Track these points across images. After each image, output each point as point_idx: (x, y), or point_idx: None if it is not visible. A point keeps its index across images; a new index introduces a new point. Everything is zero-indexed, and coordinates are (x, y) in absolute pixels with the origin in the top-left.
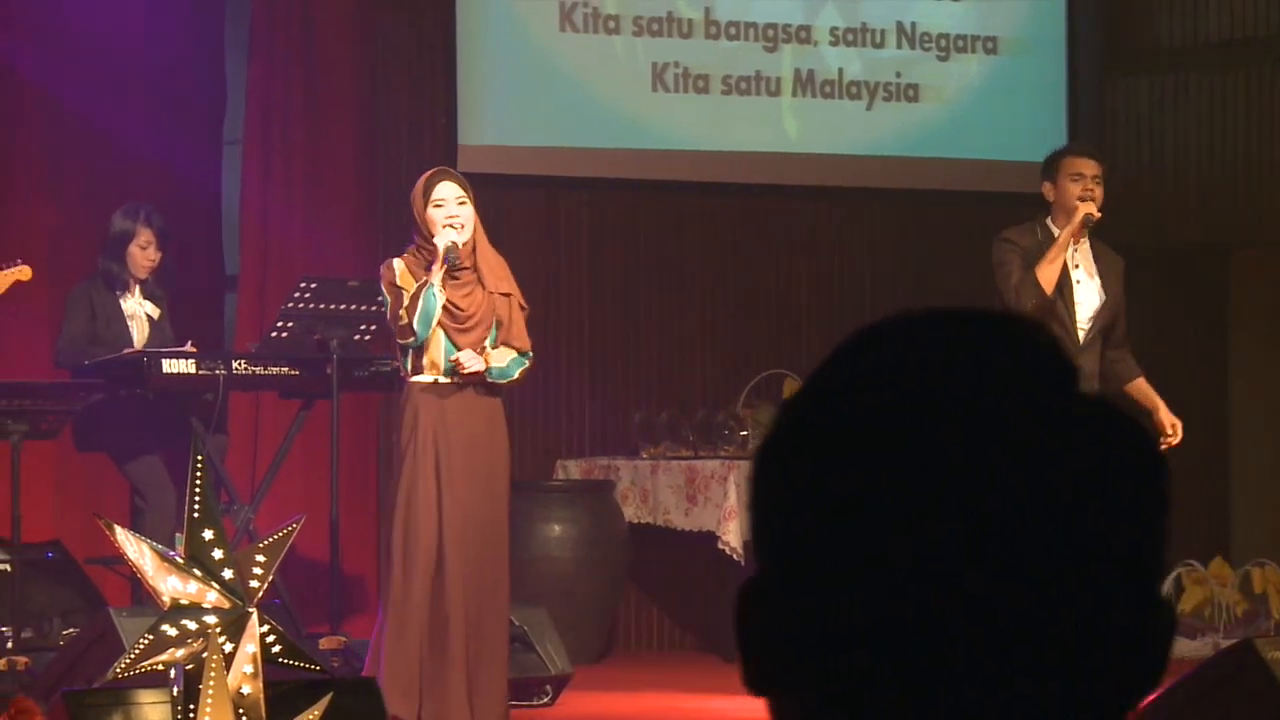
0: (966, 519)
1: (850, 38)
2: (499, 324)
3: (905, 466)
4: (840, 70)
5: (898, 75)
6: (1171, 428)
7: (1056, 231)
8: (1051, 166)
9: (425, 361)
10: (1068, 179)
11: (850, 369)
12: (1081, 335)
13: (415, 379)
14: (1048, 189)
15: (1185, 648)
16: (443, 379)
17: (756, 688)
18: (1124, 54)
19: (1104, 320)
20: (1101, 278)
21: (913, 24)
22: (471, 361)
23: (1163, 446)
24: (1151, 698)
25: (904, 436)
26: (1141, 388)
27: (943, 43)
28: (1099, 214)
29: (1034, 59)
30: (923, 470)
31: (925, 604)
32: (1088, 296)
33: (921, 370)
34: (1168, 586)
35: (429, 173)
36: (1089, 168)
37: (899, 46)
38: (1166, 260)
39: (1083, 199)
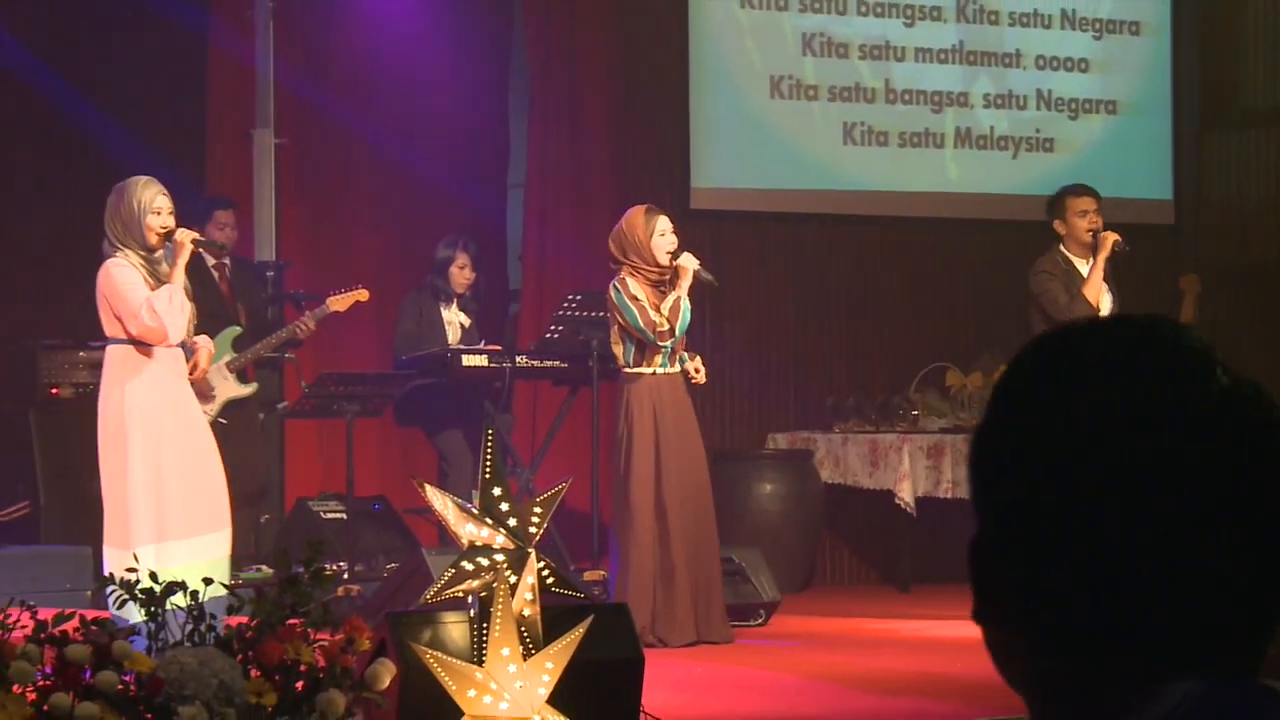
0: (1182, 503)
1: (1000, 102)
2: None
3: (1135, 460)
4: (991, 128)
5: (1037, 131)
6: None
7: (1071, 257)
8: (1059, 206)
9: (647, 357)
10: (1075, 216)
11: (1086, 367)
12: None
13: (636, 370)
14: (1058, 225)
15: None
16: (659, 370)
17: (981, 618)
18: (1219, 113)
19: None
20: (1107, 282)
21: (1049, 90)
22: (703, 370)
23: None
24: None
25: (1135, 434)
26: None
27: (1073, 105)
28: (1120, 239)
29: (1145, 118)
30: (1148, 462)
31: (1135, 568)
32: (1107, 302)
33: (1148, 371)
34: None
35: (643, 209)
36: (1090, 204)
37: (1038, 109)
38: (1251, 274)
39: (1091, 230)
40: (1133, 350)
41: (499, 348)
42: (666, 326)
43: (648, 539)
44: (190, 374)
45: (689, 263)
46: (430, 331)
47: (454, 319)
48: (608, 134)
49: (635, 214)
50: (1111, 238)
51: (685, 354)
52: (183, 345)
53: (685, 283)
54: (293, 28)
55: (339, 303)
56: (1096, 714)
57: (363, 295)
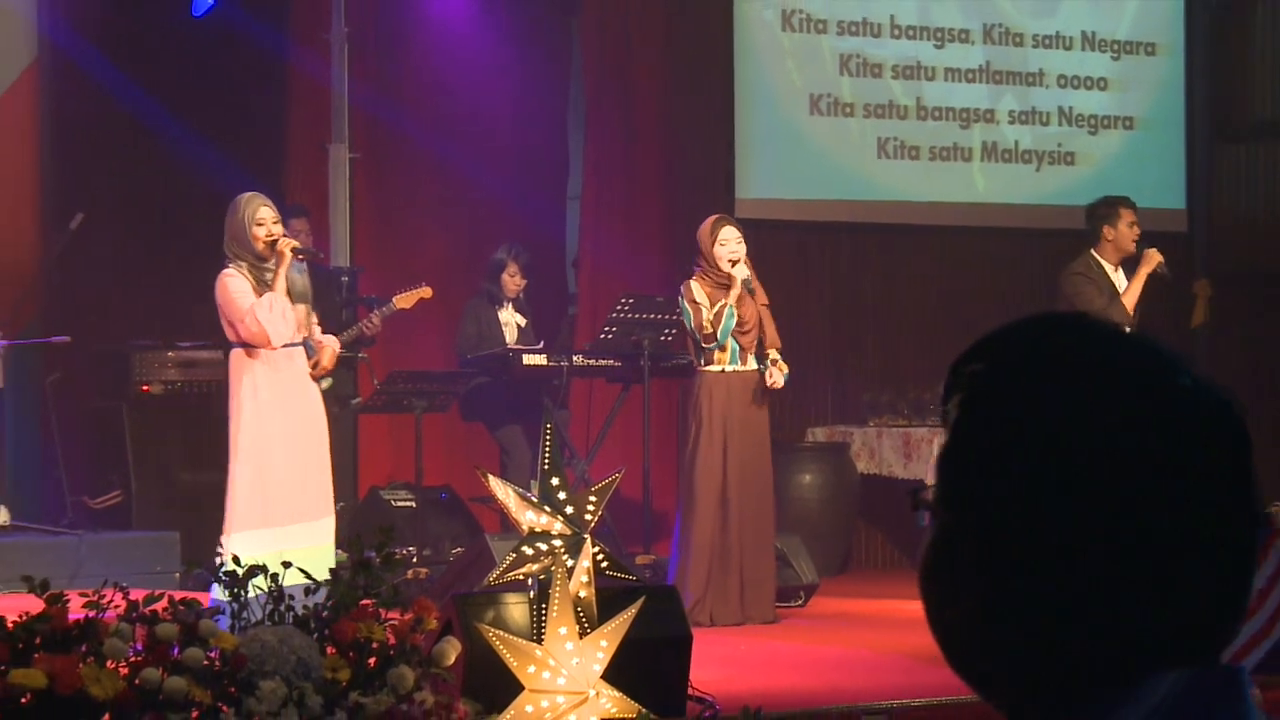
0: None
1: (1024, 118)
2: (762, 327)
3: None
4: (1016, 142)
5: (1059, 145)
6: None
7: (1103, 263)
8: (1113, 214)
9: (714, 355)
10: (1125, 225)
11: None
12: None
13: (707, 369)
14: (1107, 230)
15: None
16: (727, 368)
17: (951, 622)
18: (1229, 127)
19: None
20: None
21: (1070, 107)
22: (779, 377)
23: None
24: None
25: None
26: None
27: (1092, 121)
28: (1163, 261)
29: (1160, 132)
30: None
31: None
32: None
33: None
34: None
35: (714, 218)
36: (1136, 216)
37: (1060, 124)
38: (1259, 279)
39: (1137, 241)
40: (1105, 352)
41: (551, 348)
42: (711, 329)
43: (708, 523)
44: (312, 370)
45: (738, 273)
46: (490, 331)
47: (510, 320)
48: (658, 149)
49: (707, 222)
50: (1156, 257)
51: (777, 357)
52: (306, 342)
53: (734, 292)
54: (366, 50)
55: (404, 300)
56: (1080, 712)
57: (426, 293)
